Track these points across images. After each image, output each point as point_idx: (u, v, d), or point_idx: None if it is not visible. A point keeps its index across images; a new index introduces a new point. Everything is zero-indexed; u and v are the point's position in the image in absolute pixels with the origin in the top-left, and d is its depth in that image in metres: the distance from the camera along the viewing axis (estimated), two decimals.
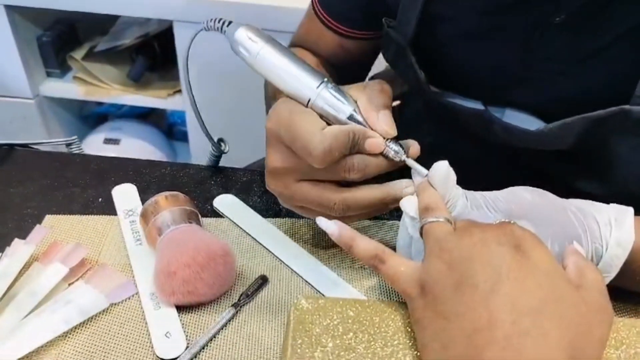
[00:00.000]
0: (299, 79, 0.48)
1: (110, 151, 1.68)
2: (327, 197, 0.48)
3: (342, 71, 0.76)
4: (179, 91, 1.54)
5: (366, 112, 0.48)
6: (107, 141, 1.70)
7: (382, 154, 0.48)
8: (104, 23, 1.64)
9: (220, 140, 0.67)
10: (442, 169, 0.46)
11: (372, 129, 0.48)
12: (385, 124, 0.48)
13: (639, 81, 0.49)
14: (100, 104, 1.83)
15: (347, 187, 0.49)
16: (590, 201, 0.47)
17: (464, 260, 0.38)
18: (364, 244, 0.44)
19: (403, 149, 0.48)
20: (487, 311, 0.35)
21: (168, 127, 1.91)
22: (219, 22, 0.53)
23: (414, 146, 0.49)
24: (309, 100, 0.48)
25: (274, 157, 0.49)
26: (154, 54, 1.57)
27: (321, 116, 0.48)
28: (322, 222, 0.46)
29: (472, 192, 0.47)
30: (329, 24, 0.73)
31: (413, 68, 0.61)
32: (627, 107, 0.49)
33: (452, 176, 0.46)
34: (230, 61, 1.47)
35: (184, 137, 1.73)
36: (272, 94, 0.61)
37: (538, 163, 0.61)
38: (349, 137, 0.46)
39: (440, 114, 0.65)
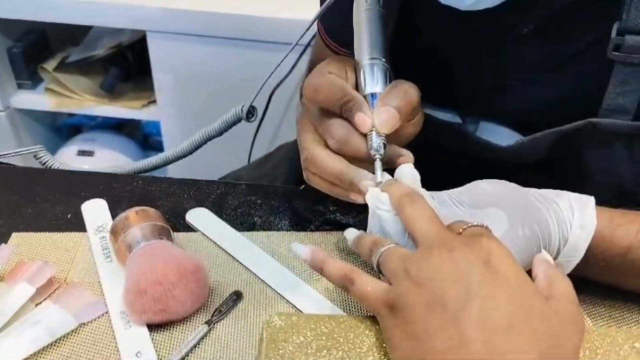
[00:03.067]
0: (364, 44, 0.54)
1: (84, 163, 1.66)
2: (306, 142, 0.53)
3: None
4: (154, 101, 1.53)
5: (378, 101, 0.51)
6: (81, 153, 1.68)
7: (366, 139, 0.49)
8: (76, 33, 1.62)
9: (253, 108, 0.68)
10: (409, 171, 0.48)
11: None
12: (381, 116, 0.49)
13: (605, 94, 0.50)
14: (73, 115, 1.81)
15: (325, 146, 0.52)
16: (549, 189, 0.48)
17: (432, 279, 0.38)
18: (334, 266, 0.44)
19: (385, 149, 0.49)
20: (458, 330, 0.35)
21: (143, 138, 1.89)
22: None
23: (406, 157, 0.51)
24: (357, 64, 0.54)
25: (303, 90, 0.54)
26: (127, 64, 1.55)
27: (357, 84, 0.53)
28: (296, 247, 0.47)
29: (435, 192, 0.48)
30: (333, 48, 0.74)
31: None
32: (594, 120, 0.50)
33: (418, 178, 0.48)
34: (206, 70, 1.47)
35: (159, 147, 1.71)
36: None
37: (512, 175, 0.61)
38: (343, 95, 0.49)
39: None
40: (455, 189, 0.48)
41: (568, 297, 0.39)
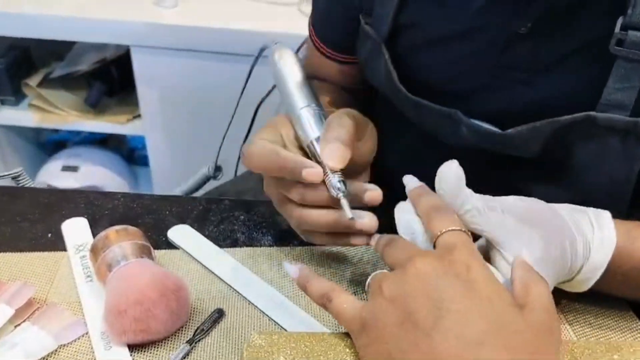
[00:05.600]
0: (291, 97, 0.56)
1: (69, 178, 1.65)
2: (286, 210, 0.53)
3: (356, 94, 0.79)
4: (139, 116, 1.52)
5: (320, 142, 0.51)
6: (66, 168, 1.66)
7: (325, 184, 0.49)
8: (59, 49, 1.62)
9: (219, 167, 0.69)
10: (450, 172, 0.46)
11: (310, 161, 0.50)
12: (329, 156, 0.49)
13: (604, 89, 0.50)
14: (57, 130, 1.80)
15: (305, 206, 0.52)
16: (568, 205, 0.48)
17: (404, 297, 0.38)
18: (316, 284, 0.45)
19: (345, 186, 0.49)
20: (430, 347, 0.35)
21: (128, 152, 1.88)
22: (274, 43, 0.61)
23: (373, 193, 0.51)
24: (292, 117, 0.55)
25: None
26: (111, 79, 1.55)
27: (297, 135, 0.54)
28: (286, 266, 0.48)
29: (483, 195, 0.47)
30: (324, 51, 0.75)
31: (387, 66, 0.62)
32: (593, 113, 0.50)
33: (462, 176, 0.46)
34: (191, 84, 1.47)
35: (145, 162, 1.71)
36: None
37: (508, 168, 0.61)
38: (275, 157, 0.49)
39: (410, 115, 0.66)
40: (503, 197, 0.47)
41: (543, 305, 0.38)
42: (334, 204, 0.50)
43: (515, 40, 0.54)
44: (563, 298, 0.54)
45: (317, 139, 0.52)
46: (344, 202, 0.48)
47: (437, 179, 0.47)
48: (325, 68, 0.77)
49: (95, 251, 0.52)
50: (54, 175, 1.65)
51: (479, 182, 0.50)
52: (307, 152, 0.53)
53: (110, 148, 1.83)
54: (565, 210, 0.47)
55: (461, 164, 0.54)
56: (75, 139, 1.83)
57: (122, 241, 0.52)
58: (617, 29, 0.48)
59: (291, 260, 0.59)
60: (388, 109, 0.76)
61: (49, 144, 1.85)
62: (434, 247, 0.42)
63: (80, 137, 1.84)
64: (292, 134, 0.55)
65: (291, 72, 0.57)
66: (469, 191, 0.46)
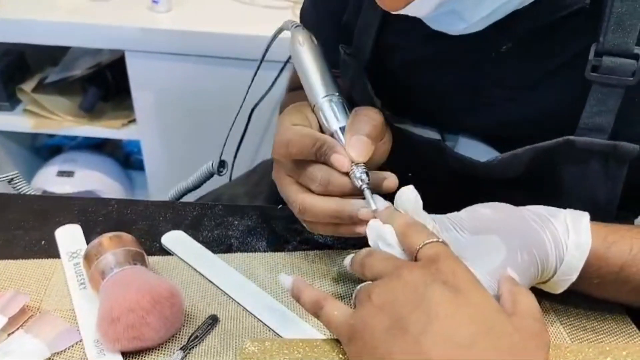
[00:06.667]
0: (313, 86, 0.55)
1: (65, 184, 1.64)
2: (291, 194, 0.53)
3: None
4: (134, 120, 1.52)
5: (346, 133, 0.52)
6: (61, 174, 1.66)
7: (348, 175, 0.50)
8: (54, 54, 1.61)
9: (223, 161, 0.68)
10: (410, 195, 0.48)
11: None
12: (354, 148, 0.50)
13: (582, 112, 0.50)
14: (53, 135, 1.79)
15: (312, 193, 0.52)
16: (544, 206, 0.49)
17: (393, 304, 0.39)
18: (308, 293, 0.45)
19: (368, 178, 0.50)
20: (420, 352, 0.35)
21: (124, 157, 1.87)
22: (291, 23, 0.60)
23: (389, 179, 0.51)
24: (314, 106, 0.55)
25: (273, 149, 0.54)
26: (106, 83, 1.54)
27: (320, 124, 0.54)
28: (281, 278, 0.48)
29: (437, 215, 0.48)
30: None
31: (369, 94, 0.62)
32: (572, 138, 0.51)
33: (419, 201, 0.48)
34: (186, 88, 1.47)
35: (140, 166, 1.70)
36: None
37: (493, 188, 0.62)
38: (313, 142, 0.49)
39: (395, 139, 0.66)
40: (456, 213, 0.49)
41: (531, 313, 0.39)
42: (353, 194, 0.50)
43: (497, 60, 0.54)
44: (557, 302, 0.54)
45: (342, 129, 0.52)
46: (368, 194, 0.49)
47: (395, 201, 0.49)
48: None
49: (88, 258, 0.52)
50: (50, 180, 1.65)
51: (465, 201, 0.50)
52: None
53: (105, 153, 1.82)
54: (535, 214, 0.47)
55: (448, 185, 0.55)
56: (71, 144, 1.83)
57: (116, 248, 0.52)
58: (590, 56, 0.48)
59: (285, 266, 0.59)
60: None
61: (44, 149, 1.85)
62: (415, 259, 0.42)
63: (76, 142, 1.83)
64: (315, 121, 0.55)
65: (314, 58, 0.56)
66: (424, 214, 0.48)
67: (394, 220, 0.47)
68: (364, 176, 0.49)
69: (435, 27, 0.47)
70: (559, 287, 0.48)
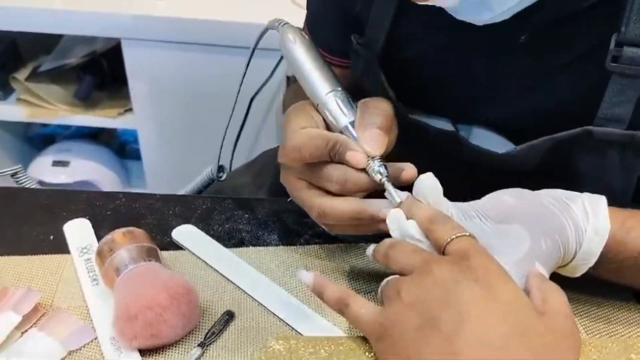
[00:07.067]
0: (314, 84, 0.53)
1: (60, 174, 1.62)
2: (308, 199, 0.51)
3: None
4: (130, 109, 1.50)
5: (357, 128, 0.50)
6: (56, 164, 1.64)
7: (365, 171, 0.49)
8: (47, 41, 1.59)
9: (222, 167, 0.66)
10: (430, 181, 0.47)
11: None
12: (369, 141, 0.49)
13: (601, 103, 0.50)
14: (46, 125, 1.77)
15: (329, 195, 0.51)
16: (561, 190, 0.48)
17: (424, 302, 0.38)
18: (331, 290, 0.44)
19: (387, 171, 0.49)
20: (453, 352, 0.35)
21: (120, 146, 1.86)
22: (278, 22, 0.58)
23: (408, 170, 0.50)
24: (317, 104, 0.53)
25: (280, 154, 0.52)
26: (101, 72, 1.52)
27: (326, 122, 0.53)
28: (301, 274, 0.47)
29: (458, 203, 0.47)
30: (327, 59, 0.73)
31: (382, 85, 0.61)
32: (590, 127, 0.51)
33: (439, 188, 0.47)
34: (183, 76, 1.45)
35: (137, 155, 1.69)
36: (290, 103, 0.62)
37: (508, 179, 0.62)
38: (326, 143, 0.48)
39: (409, 132, 0.66)
40: (478, 202, 0.48)
41: (563, 312, 0.39)
42: (371, 189, 0.49)
43: (514, 50, 0.54)
44: (569, 290, 0.54)
45: (351, 124, 0.51)
46: (389, 187, 0.48)
47: (414, 191, 0.48)
48: None
49: (101, 255, 0.52)
50: (45, 170, 1.63)
51: (479, 192, 0.50)
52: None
53: (101, 142, 1.81)
54: (555, 198, 0.47)
55: (462, 176, 0.55)
56: (65, 133, 1.81)
57: (129, 244, 0.51)
58: (611, 46, 0.48)
59: (299, 260, 0.58)
60: None
61: (38, 138, 1.82)
62: (443, 253, 0.42)
63: (70, 131, 1.81)
64: (321, 119, 0.53)
65: (309, 55, 0.55)
66: (445, 201, 0.47)
67: (416, 212, 0.46)
68: (382, 169, 0.48)
69: (460, 17, 0.47)
70: (577, 271, 0.48)
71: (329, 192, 0.50)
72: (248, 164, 1.01)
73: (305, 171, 0.51)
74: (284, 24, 0.58)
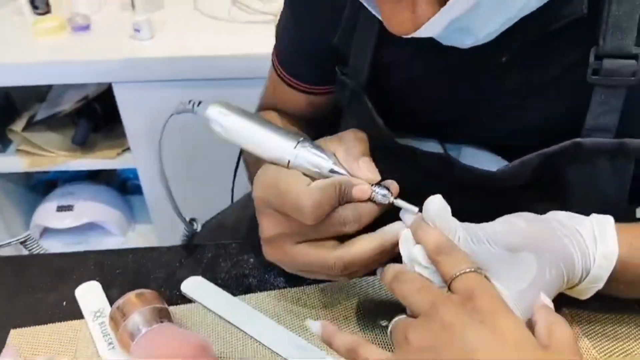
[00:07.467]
0: (276, 144, 0.51)
1: (65, 218, 1.65)
2: (324, 257, 0.50)
3: (316, 126, 0.78)
4: (128, 149, 1.52)
5: (347, 163, 0.50)
6: (60, 209, 1.66)
7: (370, 199, 0.50)
8: (40, 89, 1.61)
9: (193, 220, 0.66)
10: (437, 203, 0.47)
11: (355, 178, 0.50)
12: (367, 170, 0.50)
13: (587, 114, 0.52)
14: (47, 171, 1.79)
15: (343, 244, 0.50)
16: (569, 213, 0.49)
17: (433, 347, 0.39)
18: (340, 339, 0.45)
19: (389, 191, 0.50)
20: None
21: (121, 183, 1.88)
22: (189, 103, 0.55)
23: (394, 185, 0.51)
24: (289, 162, 0.50)
25: (267, 225, 0.51)
26: (95, 115, 1.54)
27: (304, 174, 0.50)
28: (310, 324, 0.48)
29: (468, 224, 0.47)
30: (293, 84, 0.74)
31: (370, 113, 0.62)
32: (579, 140, 0.52)
33: (448, 209, 0.47)
34: (175, 115, 1.45)
35: (138, 191, 1.70)
36: (254, 160, 0.61)
37: (501, 195, 0.63)
38: (335, 188, 0.48)
39: (398, 155, 0.67)
40: (489, 225, 0.47)
41: (568, 345, 0.40)
42: (382, 212, 0.50)
43: (498, 70, 0.55)
44: (576, 308, 0.55)
45: (335, 164, 0.50)
46: (400, 202, 0.49)
47: (423, 213, 0.48)
48: (290, 99, 0.75)
49: (115, 320, 0.53)
50: (50, 216, 1.65)
51: (475, 208, 0.51)
52: None
53: (101, 181, 1.82)
54: (562, 224, 0.47)
55: (454, 195, 0.55)
56: (65, 177, 1.83)
57: (141, 307, 0.53)
58: (591, 60, 0.50)
59: (307, 301, 0.60)
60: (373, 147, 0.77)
61: (40, 185, 1.84)
62: (449, 288, 0.43)
63: (70, 174, 1.83)
64: (299, 173, 0.51)
65: (252, 119, 0.52)
66: (454, 221, 0.47)
67: (423, 237, 0.47)
68: (385, 191, 0.49)
69: (446, 42, 0.48)
70: (584, 294, 0.49)
71: (333, 239, 0.50)
72: (248, 194, 1.02)
73: (307, 231, 0.49)
74: (200, 102, 0.55)
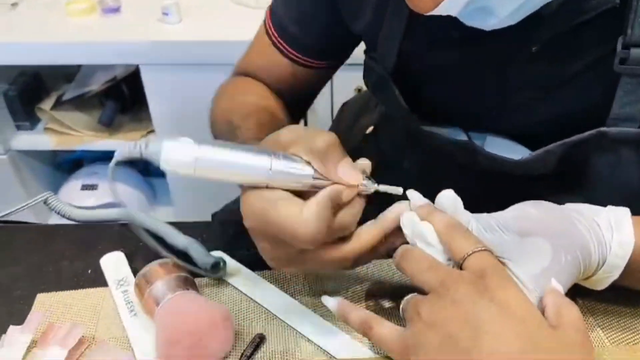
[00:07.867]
0: (252, 166, 0.45)
1: (89, 197, 1.68)
2: (333, 257, 0.49)
3: (290, 98, 0.77)
4: (152, 131, 1.54)
5: (327, 173, 0.47)
6: (85, 187, 1.69)
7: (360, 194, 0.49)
8: (69, 70, 1.64)
9: (217, 263, 0.60)
10: (450, 197, 0.48)
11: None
12: (349, 175, 0.48)
13: (613, 103, 0.52)
14: (73, 150, 1.82)
15: (347, 240, 0.49)
16: (586, 204, 0.49)
17: (443, 322, 0.41)
18: (355, 314, 0.47)
19: (370, 179, 0.49)
20: None
21: (144, 165, 1.90)
22: (134, 147, 0.47)
23: (366, 162, 0.50)
24: (267, 180, 0.46)
25: (268, 250, 0.49)
26: (123, 96, 1.57)
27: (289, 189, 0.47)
28: (325, 300, 0.50)
29: (480, 215, 0.48)
30: (284, 50, 0.73)
31: (396, 99, 0.63)
32: (604, 129, 0.52)
33: (459, 202, 0.48)
34: (202, 96, 1.47)
35: (161, 173, 1.73)
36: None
37: (523, 185, 0.63)
38: (328, 207, 0.45)
39: (423, 142, 0.67)
40: (500, 213, 0.48)
41: (576, 326, 0.40)
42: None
43: (526, 60, 0.55)
44: (591, 300, 0.56)
45: (314, 175, 0.46)
46: (385, 187, 0.49)
47: (436, 205, 0.49)
48: (275, 65, 0.74)
49: (140, 287, 0.55)
50: (74, 195, 1.68)
51: (499, 197, 0.52)
52: (307, 192, 0.47)
53: (125, 163, 1.85)
54: (579, 213, 0.48)
55: (477, 183, 0.56)
56: (91, 157, 1.86)
57: (166, 275, 0.54)
58: (618, 48, 0.50)
59: (325, 279, 0.61)
60: (395, 128, 0.77)
61: (66, 163, 1.88)
62: (460, 267, 0.44)
63: (96, 154, 1.86)
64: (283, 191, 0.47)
65: (218, 145, 0.46)
66: (466, 213, 0.48)
67: (434, 218, 0.47)
68: (367, 181, 0.49)
69: (468, 22, 0.48)
70: (600, 284, 0.49)
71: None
72: None
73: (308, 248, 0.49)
74: (154, 139, 0.47)
